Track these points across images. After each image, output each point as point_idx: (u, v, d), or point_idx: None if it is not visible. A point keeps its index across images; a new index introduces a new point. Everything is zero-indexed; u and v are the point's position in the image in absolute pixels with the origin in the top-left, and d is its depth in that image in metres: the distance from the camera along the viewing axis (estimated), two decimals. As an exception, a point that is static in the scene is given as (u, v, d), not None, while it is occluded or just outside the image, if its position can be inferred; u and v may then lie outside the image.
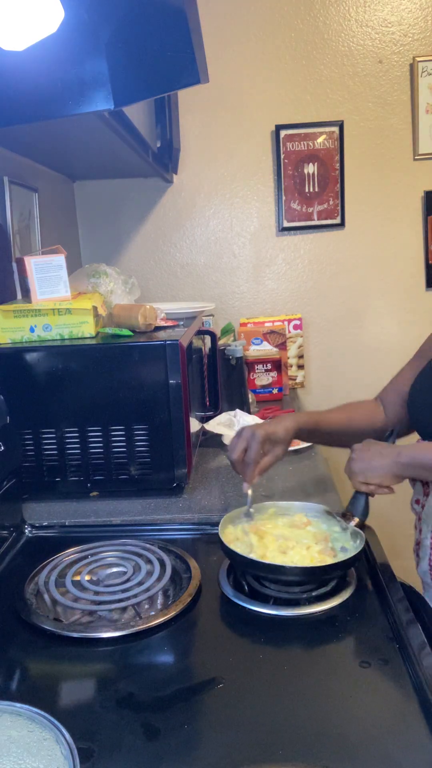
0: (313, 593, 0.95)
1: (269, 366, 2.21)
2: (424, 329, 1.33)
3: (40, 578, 1.02)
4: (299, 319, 2.43)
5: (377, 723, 0.72)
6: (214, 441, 1.72)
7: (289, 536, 1.07)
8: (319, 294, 2.50)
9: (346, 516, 1.10)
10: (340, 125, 2.35)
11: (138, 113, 1.68)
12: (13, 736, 0.65)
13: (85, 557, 1.09)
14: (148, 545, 1.11)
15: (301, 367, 2.45)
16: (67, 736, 0.63)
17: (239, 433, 1.16)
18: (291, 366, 2.42)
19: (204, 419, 1.76)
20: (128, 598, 0.96)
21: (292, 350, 2.42)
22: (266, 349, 2.29)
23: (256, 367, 2.20)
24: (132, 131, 1.56)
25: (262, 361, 2.20)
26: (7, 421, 1.19)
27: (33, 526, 1.26)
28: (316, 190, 2.40)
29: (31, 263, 1.38)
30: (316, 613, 0.92)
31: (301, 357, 2.45)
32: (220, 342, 2.07)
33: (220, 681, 0.79)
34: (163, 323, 1.51)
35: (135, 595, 0.96)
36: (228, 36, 2.29)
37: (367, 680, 0.79)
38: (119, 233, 2.46)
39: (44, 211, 1.98)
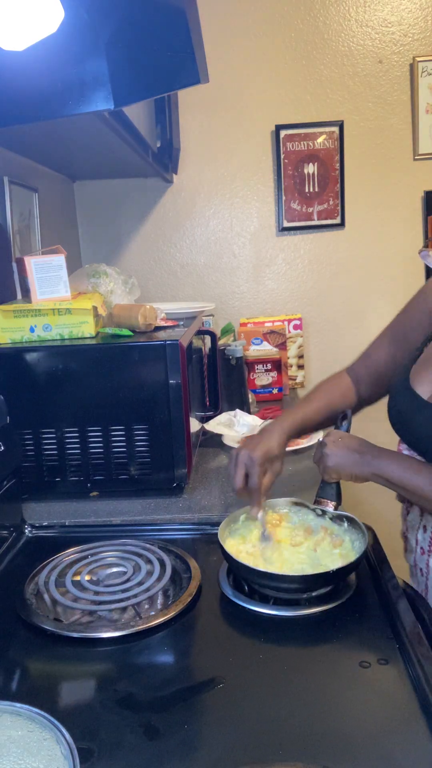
0: (313, 593, 0.95)
1: (269, 366, 2.21)
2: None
3: (40, 578, 1.02)
4: (299, 319, 2.43)
5: (377, 723, 0.72)
6: (214, 441, 1.72)
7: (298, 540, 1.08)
8: (319, 294, 2.50)
9: (320, 503, 1.10)
10: (340, 125, 2.35)
11: (138, 113, 1.68)
12: (13, 736, 0.65)
13: (85, 557, 1.09)
14: (148, 545, 1.11)
15: (301, 367, 2.45)
16: (67, 736, 0.63)
17: (235, 460, 1.13)
18: (291, 366, 2.42)
19: (204, 419, 1.76)
20: (128, 598, 0.96)
21: (292, 350, 2.42)
22: (266, 349, 2.29)
23: (256, 367, 2.20)
24: (132, 131, 1.56)
25: (262, 361, 2.20)
26: (7, 421, 1.19)
27: (33, 526, 1.26)
28: (316, 190, 2.40)
29: (31, 263, 1.38)
30: (316, 613, 0.92)
31: (301, 357, 2.45)
32: (220, 342, 2.07)
33: (220, 681, 0.79)
34: (163, 323, 1.51)
35: (135, 595, 0.96)
36: (228, 36, 2.29)
37: (367, 680, 0.79)
38: (119, 233, 2.46)
39: (44, 211, 1.98)
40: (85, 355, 1.32)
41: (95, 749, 0.68)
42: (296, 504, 1.14)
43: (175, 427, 1.33)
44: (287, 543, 1.07)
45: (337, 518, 1.09)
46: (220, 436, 1.71)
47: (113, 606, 0.94)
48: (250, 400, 1.99)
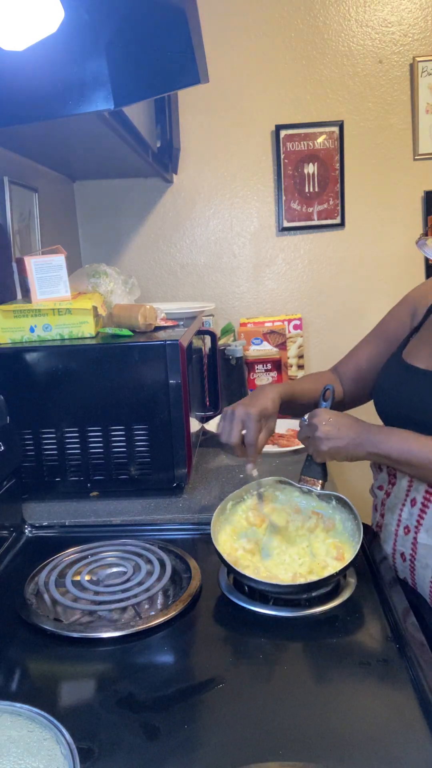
0: (313, 593, 0.95)
1: (269, 366, 2.21)
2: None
3: (40, 578, 1.02)
4: (299, 319, 2.43)
5: (377, 723, 0.72)
6: (214, 441, 1.71)
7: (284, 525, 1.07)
8: (319, 294, 2.50)
9: (307, 482, 1.10)
10: (340, 125, 2.35)
11: (138, 113, 1.68)
12: (13, 736, 0.65)
13: (85, 557, 1.09)
14: (148, 545, 1.11)
15: (301, 367, 2.45)
16: (67, 736, 0.63)
17: (229, 416, 1.13)
18: (291, 366, 2.42)
19: (204, 419, 1.76)
20: (128, 598, 0.96)
21: (292, 350, 2.42)
22: (266, 349, 2.29)
23: (256, 367, 2.20)
24: (132, 131, 1.56)
25: (262, 361, 2.20)
26: (7, 421, 1.19)
27: (33, 526, 1.26)
28: (316, 190, 2.40)
29: (31, 263, 1.38)
30: (316, 613, 0.92)
31: (301, 357, 2.45)
32: (220, 342, 2.08)
33: (220, 681, 0.79)
34: (163, 323, 1.51)
35: (135, 595, 0.96)
36: (228, 36, 2.29)
37: (367, 680, 0.79)
38: (119, 233, 2.46)
39: (44, 211, 1.98)
40: (85, 355, 1.32)
41: (95, 749, 0.68)
42: (281, 482, 1.14)
43: (175, 427, 1.33)
44: (281, 538, 1.06)
45: (325, 497, 1.09)
46: (220, 436, 1.71)
47: (113, 606, 0.94)
48: (250, 400, 1.99)
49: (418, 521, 1.08)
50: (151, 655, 0.86)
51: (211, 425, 1.75)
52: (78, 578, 1.01)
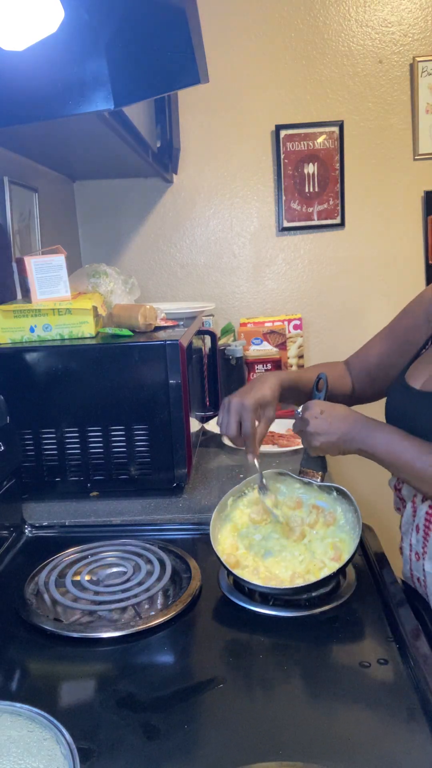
0: (313, 593, 0.95)
1: (269, 366, 2.21)
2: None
3: (40, 578, 1.02)
4: (299, 319, 2.43)
5: (377, 723, 0.72)
6: (214, 441, 1.72)
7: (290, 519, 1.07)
8: (319, 294, 2.50)
9: (307, 474, 1.10)
10: (340, 125, 2.35)
11: (138, 113, 1.68)
12: (13, 736, 0.65)
13: (85, 557, 1.09)
14: (148, 545, 1.11)
15: (301, 367, 2.45)
16: (67, 736, 0.63)
17: (226, 407, 1.12)
18: (291, 366, 2.42)
19: (204, 419, 1.76)
20: (128, 598, 0.96)
21: (292, 350, 2.42)
22: (266, 349, 2.29)
23: (256, 367, 2.20)
24: (132, 131, 1.56)
25: (262, 361, 2.20)
26: (7, 421, 1.19)
27: (33, 526, 1.26)
28: (316, 190, 2.40)
29: (31, 263, 1.38)
30: (316, 613, 0.92)
31: (301, 357, 2.45)
32: (220, 342, 2.08)
33: (220, 681, 0.79)
34: (163, 323, 1.51)
35: (135, 595, 0.96)
36: (228, 36, 2.29)
37: (367, 680, 0.79)
38: (119, 233, 2.46)
39: (44, 211, 1.98)
40: (85, 355, 1.32)
41: (95, 749, 0.68)
42: (281, 474, 1.13)
43: (175, 427, 1.33)
44: (283, 535, 1.06)
45: (326, 488, 1.08)
46: (220, 436, 1.71)
47: (113, 606, 0.94)
48: (250, 400, 1.99)
49: (423, 548, 1.06)
50: (151, 655, 0.86)
51: (211, 425, 1.75)
52: (78, 578, 1.01)
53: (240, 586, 0.99)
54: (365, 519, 1.07)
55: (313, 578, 0.94)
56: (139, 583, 0.99)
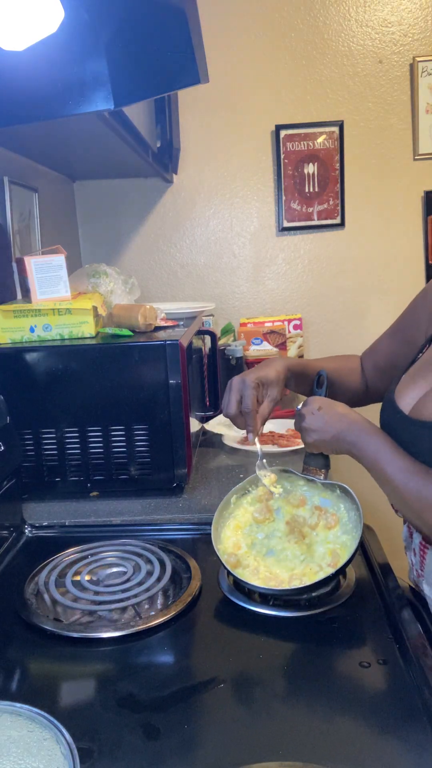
0: (313, 593, 0.95)
1: (269, 366, 2.20)
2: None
3: (40, 578, 1.02)
4: (299, 319, 2.43)
5: (377, 723, 0.72)
6: (214, 441, 1.72)
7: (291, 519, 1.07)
8: (319, 294, 2.50)
9: (311, 471, 1.09)
10: (340, 125, 2.35)
11: (138, 113, 1.68)
12: (13, 736, 0.65)
13: (85, 557, 1.09)
14: (148, 545, 1.11)
15: (301, 367, 2.45)
16: (67, 736, 0.63)
17: (227, 387, 1.10)
18: (291, 366, 2.42)
19: (204, 419, 1.76)
20: (128, 598, 0.96)
21: (292, 350, 2.42)
22: (266, 349, 2.29)
23: (256, 367, 2.20)
24: (132, 131, 1.56)
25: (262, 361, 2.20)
26: (7, 421, 1.19)
27: (33, 526, 1.26)
28: (316, 190, 2.40)
29: (31, 263, 1.38)
30: (316, 613, 0.92)
31: (301, 357, 2.45)
32: (220, 342, 2.07)
33: (220, 681, 0.79)
34: (163, 323, 1.51)
35: (135, 595, 0.96)
36: (228, 36, 2.29)
37: (367, 680, 0.79)
38: (119, 233, 2.46)
39: (44, 211, 1.98)
40: (85, 355, 1.32)
41: (95, 749, 0.68)
42: (285, 471, 1.12)
43: (175, 427, 1.33)
44: (285, 533, 1.06)
45: (329, 485, 1.07)
46: (220, 436, 1.71)
47: (113, 606, 0.94)
48: (250, 400, 1.98)
49: (420, 569, 1.05)
50: (151, 655, 0.86)
51: (212, 425, 1.75)
52: (78, 578, 1.01)
53: (240, 586, 0.99)
54: (366, 519, 1.07)
55: (308, 581, 0.94)
56: (139, 583, 0.99)
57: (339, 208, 2.41)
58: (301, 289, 2.50)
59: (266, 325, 2.36)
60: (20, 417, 1.30)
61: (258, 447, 1.09)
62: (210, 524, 1.05)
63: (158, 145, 2.05)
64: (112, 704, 0.76)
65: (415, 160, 2.39)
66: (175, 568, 1.04)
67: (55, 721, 0.65)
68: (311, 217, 2.43)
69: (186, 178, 2.41)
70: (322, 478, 1.08)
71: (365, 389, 1.28)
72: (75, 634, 0.89)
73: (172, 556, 1.08)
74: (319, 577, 0.94)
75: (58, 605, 0.96)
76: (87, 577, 1.01)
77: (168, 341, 1.30)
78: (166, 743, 0.69)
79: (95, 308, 1.42)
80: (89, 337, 1.38)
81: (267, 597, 0.96)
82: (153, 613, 0.94)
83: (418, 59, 2.30)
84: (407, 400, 1.03)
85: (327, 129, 2.35)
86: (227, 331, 2.31)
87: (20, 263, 1.45)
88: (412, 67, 2.31)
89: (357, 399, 1.27)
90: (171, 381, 1.30)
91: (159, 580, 1.00)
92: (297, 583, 0.95)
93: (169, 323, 1.53)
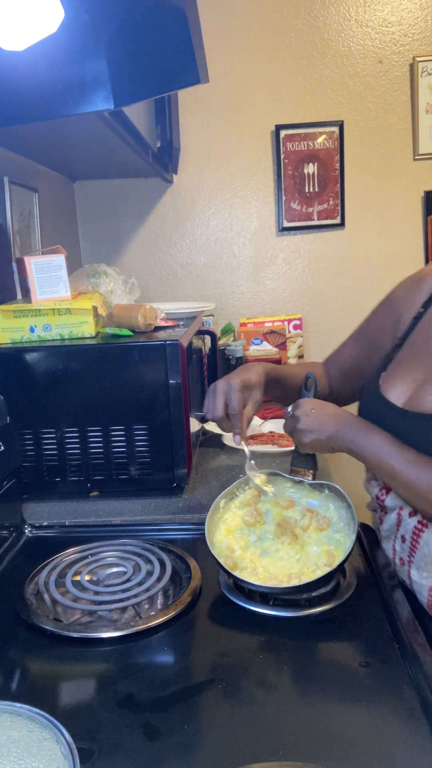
0: (313, 593, 0.95)
1: (269, 366, 2.21)
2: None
3: (40, 578, 1.02)
4: (299, 319, 2.43)
5: (377, 723, 0.72)
6: (214, 441, 1.72)
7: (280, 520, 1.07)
8: (319, 294, 2.50)
9: (298, 472, 1.10)
10: (340, 125, 2.35)
11: (138, 113, 1.68)
12: (13, 736, 0.65)
13: (85, 557, 1.09)
14: (148, 545, 1.11)
15: (301, 367, 2.45)
16: (67, 736, 0.63)
17: (211, 391, 1.12)
18: (291, 366, 2.42)
19: (204, 419, 1.76)
20: (128, 598, 0.96)
21: (292, 350, 2.42)
22: (266, 349, 2.29)
23: (256, 367, 2.20)
24: (132, 131, 1.56)
25: (262, 361, 2.20)
26: (7, 421, 1.19)
27: (33, 526, 1.26)
28: (316, 190, 2.40)
29: (31, 263, 1.38)
30: (316, 613, 0.92)
31: (301, 357, 2.45)
32: (220, 342, 2.08)
33: (220, 681, 0.79)
34: (163, 323, 1.51)
35: (135, 595, 0.96)
36: (228, 36, 2.29)
37: (367, 680, 0.79)
38: (119, 233, 2.46)
39: (44, 211, 1.98)
40: (85, 355, 1.32)
41: (95, 749, 0.68)
42: (272, 474, 1.12)
43: (175, 427, 1.33)
44: (277, 534, 1.06)
45: (317, 486, 1.08)
46: (220, 436, 1.71)
47: (113, 606, 0.94)
48: (250, 400, 1.99)
49: (409, 557, 1.05)
50: (151, 655, 0.86)
51: (212, 425, 1.75)
52: (78, 578, 1.01)
53: (240, 586, 0.99)
54: (362, 519, 1.07)
55: (306, 579, 0.94)
56: (139, 583, 0.99)
57: (339, 208, 2.41)
58: (301, 289, 2.50)
59: (266, 325, 2.36)
60: (20, 417, 1.30)
61: (245, 448, 1.10)
62: (212, 505, 1.05)
63: (158, 145, 2.05)
64: (112, 704, 0.76)
65: (415, 160, 2.39)
66: (175, 568, 1.04)
67: (55, 721, 0.65)
68: (311, 217, 2.43)
69: (186, 178, 2.41)
70: (310, 478, 1.09)
71: (329, 394, 1.31)
72: (75, 634, 0.89)
73: (172, 556, 1.08)
74: (317, 575, 0.94)
75: (58, 605, 0.96)
76: (87, 577, 1.01)
77: (168, 341, 1.30)
78: (166, 743, 0.69)
79: (95, 308, 1.42)
80: (89, 337, 1.38)
81: (267, 597, 0.96)
82: (153, 613, 0.94)
83: (418, 59, 2.30)
84: (395, 393, 1.06)
85: (327, 129, 2.35)
86: (227, 331, 2.31)
87: (20, 263, 1.45)
88: (412, 67, 2.32)
89: None
90: (171, 381, 1.30)
91: (159, 580, 1.00)
92: (296, 582, 0.95)
93: (169, 323, 1.53)
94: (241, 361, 1.99)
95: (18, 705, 0.68)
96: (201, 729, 0.72)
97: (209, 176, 2.41)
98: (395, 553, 1.07)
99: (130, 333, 1.40)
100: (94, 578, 1.03)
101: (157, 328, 1.48)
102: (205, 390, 1.77)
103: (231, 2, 2.27)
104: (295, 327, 2.42)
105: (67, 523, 1.27)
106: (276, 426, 1.78)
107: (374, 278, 2.48)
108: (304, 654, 0.86)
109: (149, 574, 1.02)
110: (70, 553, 1.10)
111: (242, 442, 1.11)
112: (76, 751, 0.61)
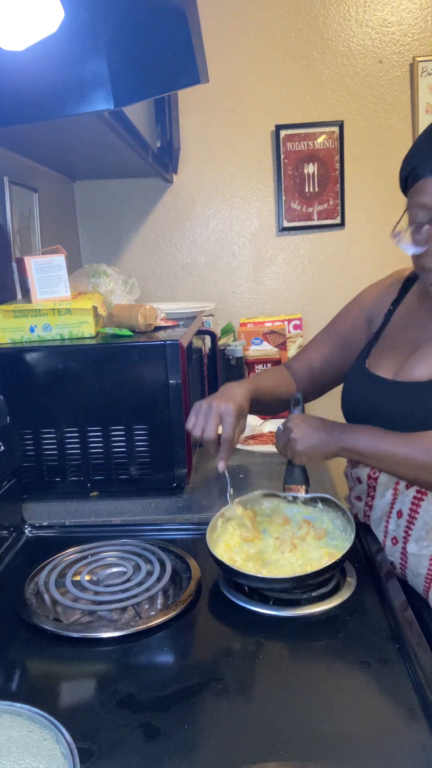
0: (313, 593, 0.95)
1: (269, 366, 2.21)
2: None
3: (40, 578, 1.02)
4: (299, 319, 2.43)
5: (377, 723, 0.72)
6: (214, 441, 1.71)
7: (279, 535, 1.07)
8: (319, 294, 2.50)
9: (291, 489, 1.11)
10: (340, 125, 2.35)
11: (138, 113, 1.68)
12: (13, 736, 0.65)
13: (85, 557, 1.09)
14: (148, 545, 1.11)
15: (301, 367, 2.45)
16: (67, 736, 0.63)
17: (204, 410, 1.09)
18: (291, 366, 2.42)
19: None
20: (128, 598, 0.96)
21: (292, 350, 2.42)
22: (266, 349, 2.29)
23: (256, 367, 2.20)
24: (132, 131, 1.56)
25: (262, 361, 2.20)
26: (7, 421, 1.19)
27: (33, 526, 1.26)
28: (316, 190, 2.40)
29: (31, 263, 1.38)
30: (316, 613, 0.92)
31: (301, 357, 2.44)
32: (220, 342, 2.08)
33: (220, 681, 0.79)
34: (163, 323, 1.51)
35: (135, 595, 0.96)
36: (228, 36, 2.29)
37: (367, 680, 0.79)
38: (119, 233, 2.46)
39: (44, 211, 1.98)
40: (85, 355, 1.32)
41: (95, 749, 0.68)
42: (266, 495, 1.15)
43: (175, 427, 1.33)
44: (276, 548, 1.06)
45: (311, 501, 1.10)
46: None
47: (113, 606, 0.94)
48: (250, 400, 1.99)
49: (406, 532, 1.08)
50: (151, 655, 0.86)
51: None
52: (78, 578, 1.01)
53: (240, 585, 0.99)
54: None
55: (311, 569, 0.95)
56: (139, 583, 0.99)
57: (339, 208, 2.41)
58: (301, 289, 2.50)
59: (266, 325, 2.36)
60: (20, 417, 1.30)
61: (227, 476, 1.10)
62: (208, 524, 1.05)
63: (158, 145, 2.05)
64: (112, 704, 0.76)
65: (415, 160, 2.38)
66: (175, 568, 1.04)
67: (55, 721, 0.65)
68: (311, 217, 2.43)
69: (186, 178, 2.41)
70: (302, 494, 1.11)
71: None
72: (75, 634, 0.89)
73: (172, 556, 1.08)
74: (322, 564, 0.95)
75: (58, 605, 0.96)
76: (87, 577, 1.01)
77: (168, 341, 1.30)
78: (166, 743, 0.69)
79: (95, 308, 1.42)
80: (89, 337, 1.38)
81: (267, 597, 0.96)
82: (153, 613, 0.94)
83: (418, 59, 2.30)
84: (383, 371, 1.14)
85: (327, 129, 2.35)
86: (227, 331, 2.31)
87: (20, 263, 1.45)
88: (412, 67, 2.31)
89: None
90: (171, 381, 1.30)
91: (159, 580, 1.00)
92: (300, 572, 0.95)
93: (169, 323, 1.53)
94: (241, 361, 1.99)
95: (18, 705, 0.68)
96: (201, 729, 0.72)
97: (209, 176, 2.41)
98: (387, 534, 1.10)
99: (130, 333, 1.40)
100: (94, 578, 1.03)
101: (157, 328, 1.48)
102: (205, 390, 1.78)
103: (231, 2, 2.27)
104: (295, 327, 2.42)
105: (67, 523, 1.27)
106: (276, 426, 1.78)
107: (374, 278, 2.46)
108: (304, 654, 0.86)
109: (149, 574, 1.02)
110: (70, 553, 1.10)
111: (225, 470, 1.10)
112: (76, 751, 0.61)
